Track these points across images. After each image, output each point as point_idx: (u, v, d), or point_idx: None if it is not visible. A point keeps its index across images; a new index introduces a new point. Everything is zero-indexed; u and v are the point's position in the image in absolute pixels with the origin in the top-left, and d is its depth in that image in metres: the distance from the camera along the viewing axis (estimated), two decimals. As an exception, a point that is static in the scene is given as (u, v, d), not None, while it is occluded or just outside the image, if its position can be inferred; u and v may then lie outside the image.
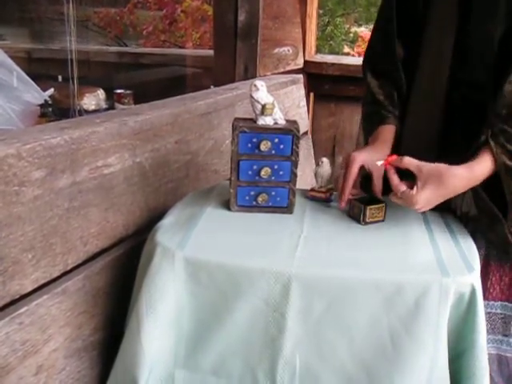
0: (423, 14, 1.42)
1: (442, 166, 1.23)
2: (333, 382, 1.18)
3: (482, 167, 1.24)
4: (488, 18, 1.29)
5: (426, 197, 1.23)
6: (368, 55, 1.61)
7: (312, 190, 1.48)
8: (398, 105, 1.50)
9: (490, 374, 1.34)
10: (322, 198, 1.47)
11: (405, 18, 1.47)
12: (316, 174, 1.49)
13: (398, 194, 1.26)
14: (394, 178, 1.27)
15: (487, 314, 1.35)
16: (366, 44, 1.64)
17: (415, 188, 1.23)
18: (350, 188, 1.37)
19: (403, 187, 1.25)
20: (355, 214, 1.36)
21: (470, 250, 1.25)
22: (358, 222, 1.35)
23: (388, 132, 1.48)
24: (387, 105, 1.51)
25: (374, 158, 1.37)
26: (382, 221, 1.36)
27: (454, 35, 1.36)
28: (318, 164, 1.48)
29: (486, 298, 1.34)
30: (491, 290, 1.37)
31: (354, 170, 1.37)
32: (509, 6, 1.25)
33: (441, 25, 1.40)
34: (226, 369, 1.22)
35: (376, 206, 1.34)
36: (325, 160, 1.48)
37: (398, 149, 1.44)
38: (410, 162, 1.25)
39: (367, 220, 1.34)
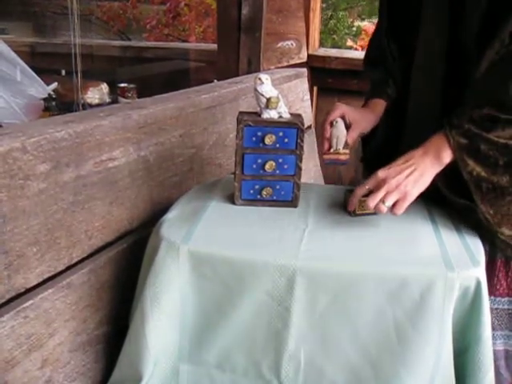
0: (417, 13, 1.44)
1: None
2: (338, 376, 1.18)
3: (434, 140, 1.24)
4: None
5: (385, 168, 1.23)
6: (367, 51, 1.69)
7: (328, 153, 1.43)
8: (391, 86, 1.55)
9: (498, 370, 1.34)
10: (341, 159, 1.41)
11: (401, 18, 1.51)
12: (331, 136, 1.42)
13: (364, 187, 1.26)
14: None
15: (494, 309, 1.35)
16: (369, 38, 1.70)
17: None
18: (329, 130, 1.42)
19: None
20: (347, 205, 1.36)
21: (475, 244, 1.24)
22: (350, 213, 1.34)
23: (377, 104, 1.56)
24: (381, 83, 1.57)
25: (357, 114, 1.47)
26: (375, 214, 1.34)
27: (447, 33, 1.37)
28: (331, 125, 1.42)
29: (493, 294, 1.34)
30: (498, 287, 1.36)
31: (335, 114, 1.43)
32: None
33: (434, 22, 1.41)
34: (231, 363, 1.22)
35: (366, 197, 1.31)
36: (339, 120, 1.41)
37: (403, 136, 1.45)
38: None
39: (357, 212, 1.33)
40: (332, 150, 1.42)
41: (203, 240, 1.21)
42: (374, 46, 1.66)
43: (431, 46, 1.42)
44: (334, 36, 7.91)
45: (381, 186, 1.22)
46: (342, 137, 1.41)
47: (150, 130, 1.51)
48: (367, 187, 1.25)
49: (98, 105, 2.68)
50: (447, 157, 1.23)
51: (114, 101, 2.76)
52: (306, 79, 2.79)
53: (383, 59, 1.57)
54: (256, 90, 1.30)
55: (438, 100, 1.40)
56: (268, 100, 1.29)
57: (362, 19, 8.50)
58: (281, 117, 1.32)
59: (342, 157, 1.42)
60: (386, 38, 1.55)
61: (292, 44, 2.88)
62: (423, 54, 1.44)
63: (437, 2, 1.39)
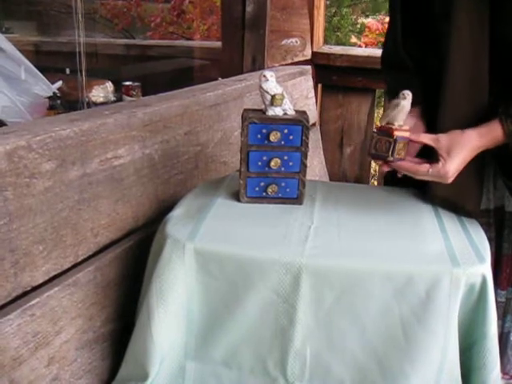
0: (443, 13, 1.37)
1: (456, 132, 1.27)
2: (343, 373, 1.18)
3: (490, 130, 1.27)
4: None
5: (455, 163, 1.26)
6: (383, 53, 1.63)
7: (395, 129, 1.25)
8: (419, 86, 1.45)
9: None
10: (408, 138, 1.28)
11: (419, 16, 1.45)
12: (398, 108, 1.25)
13: (427, 173, 1.27)
14: (414, 164, 1.30)
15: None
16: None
17: (441, 160, 1.26)
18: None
19: (427, 166, 1.27)
20: (381, 149, 1.27)
21: (480, 241, 1.24)
22: (384, 158, 1.27)
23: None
24: (411, 78, 1.48)
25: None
26: (402, 159, 1.28)
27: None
28: (400, 97, 1.26)
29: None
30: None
31: None
32: None
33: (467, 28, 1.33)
34: (237, 360, 1.22)
35: (382, 137, 1.26)
36: (409, 92, 1.26)
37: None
38: (425, 135, 1.30)
39: (396, 156, 1.25)
40: (397, 126, 1.26)
41: (209, 237, 1.21)
42: (390, 50, 1.56)
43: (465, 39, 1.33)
44: (338, 33, 7.90)
45: (441, 178, 1.28)
46: (407, 111, 1.27)
47: (155, 127, 1.51)
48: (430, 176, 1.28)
49: (102, 103, 2.67)
50: (495, 139, 1.28)
51: (119, 99, 2.75)
52: (310, 77, 2.79)
53: (402, 67, 1.49)
54: (261, 87, 1.30)
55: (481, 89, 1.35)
56: (273, 97, 1.29)
57: (366, 16, 8.49)
58: (286, 114, 1.32)
59: (407, 134, 1.27)
60: (403, 42, 1.47)
61: (296, 41, 2.87)
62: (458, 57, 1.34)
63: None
